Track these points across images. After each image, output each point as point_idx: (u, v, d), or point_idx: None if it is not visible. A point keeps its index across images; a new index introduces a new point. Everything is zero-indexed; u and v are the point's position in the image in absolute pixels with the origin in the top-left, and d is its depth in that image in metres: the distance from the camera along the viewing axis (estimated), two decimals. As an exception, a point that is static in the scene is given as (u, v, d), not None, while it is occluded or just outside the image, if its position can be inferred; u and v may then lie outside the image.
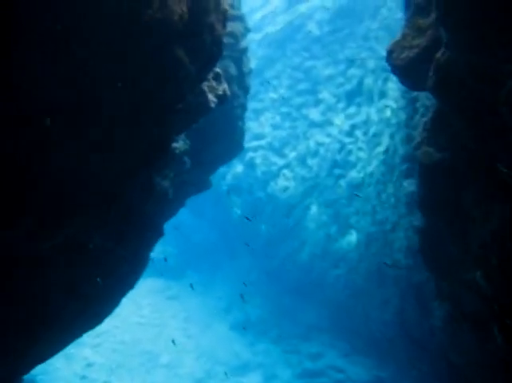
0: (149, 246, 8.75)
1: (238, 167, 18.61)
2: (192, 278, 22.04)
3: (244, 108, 10.47)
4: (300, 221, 16.49)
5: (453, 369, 9.57)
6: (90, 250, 6.87)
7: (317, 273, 15.59)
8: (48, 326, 6.94)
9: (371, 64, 14.94)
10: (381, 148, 12.63)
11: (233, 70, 9.46)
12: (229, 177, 18.77)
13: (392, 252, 11.14)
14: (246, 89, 10.47)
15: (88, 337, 17.40)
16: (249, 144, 18.68)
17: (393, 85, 13.16)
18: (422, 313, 9.92)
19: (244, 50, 10.07)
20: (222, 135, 9.84)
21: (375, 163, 13.04)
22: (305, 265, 16.01)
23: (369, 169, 13.52)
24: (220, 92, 6.59)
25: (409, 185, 9.83)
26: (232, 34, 9.39)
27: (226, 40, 8.45)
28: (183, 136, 8.60)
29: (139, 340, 17.99)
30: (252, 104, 19.11)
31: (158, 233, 8.74)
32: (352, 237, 14.11)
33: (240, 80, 10.11)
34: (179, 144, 8.39)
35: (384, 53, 7.38)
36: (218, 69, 7.39)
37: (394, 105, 12.63)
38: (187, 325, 19.20)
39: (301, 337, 16.99)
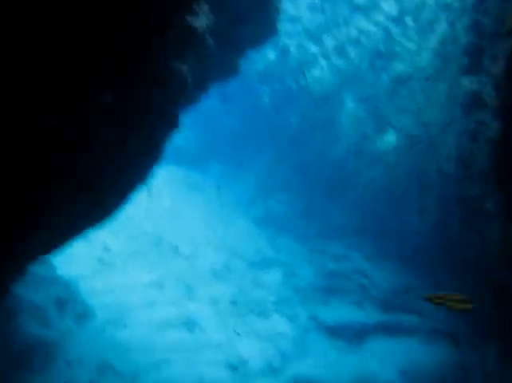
0: (163, 138, 7.50)
1: (269, 55, 16.85)
2: (215, 168, 21.07)
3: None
4: (333, 116, 15.00)
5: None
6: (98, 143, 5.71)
7: (349, 172, 14.33)
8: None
9: None
10: (436, 38, 10.80)
11: None
12: (259, 64, 17.07)
13: (438, 159, 9.74)
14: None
15: (108, 222, 16.88)
16: (283, 27, 16.75)
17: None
18: (469, 232, 8.70)
19: None
20: (253, 12, 8.21)
21: (426, 55, 11.25)
22: (337, 163, 14.73)
23: (419, 62, 11.74)
24: None
25: (470, 83, 8.21)
26: None
27: None
28: (205, 8, 7.06)
29: (158, 230, 17.35)
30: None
31: (172, 124, 7.47)
32: (391, 137, 12.64)
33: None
34: (201, 21, 6.86)
35: None
36: None
37: (455, -13, 10.61)
38: (209, 217, 18.46)
39: (326, 236, 16.11)
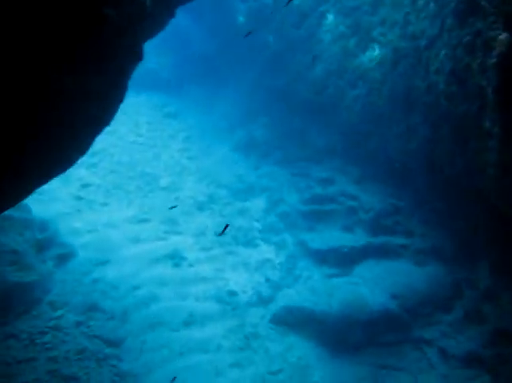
0: (126, 72, 6.70)
1: (241, -34, 15.54)
2: (192, 93, 20.13)
3: None
4: (313, 32, 14.02)
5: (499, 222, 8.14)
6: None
7: (331, 93, 13.55)
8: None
9: None
10: None
11: None
12: (231, -22, 15.79)
13: (427, 74, 9.01)
14: None
15: (84, 157, 16.14)
16: None
17: None
18: (461, 150, 8.16)
19: None
20: None
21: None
22: (318, 83, 13.90)
23: (402, -33, 10.72)
24: None
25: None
26: None
27: None
28: None
29: (137, 161, 16.67)
30: None
31: (136, 56, 6.65)
32: (375, 52, 11.81)
33: None
34: None
35: None
36: None
37: None
38: (188, 145, 17.77)
39: (310, 160, 15.55)
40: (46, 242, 12.19)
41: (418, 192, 11.53)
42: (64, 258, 12.21)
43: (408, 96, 10.11)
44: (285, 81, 15.16)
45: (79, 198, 14.60)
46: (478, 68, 6.81)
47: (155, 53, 20.60)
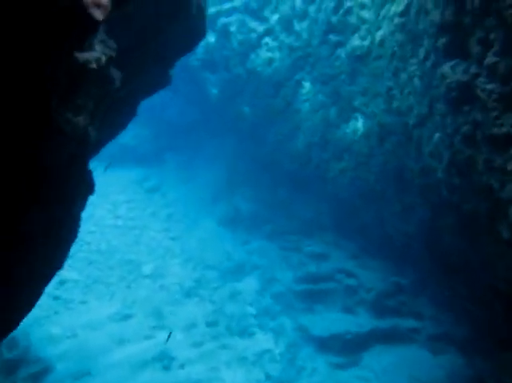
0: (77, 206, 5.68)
1: (209, 37, 14.79)
2: (172, 164, 19.20)
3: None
4: (290, 101, 13.18)
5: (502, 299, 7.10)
6: None
7: (315, 164, 12.61)
8: None
9: None
10: (397, 7, 8.98)
11: None
12: (200, 50, 15.03)
13: (420, 156, 8.07)
14: None
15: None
16: (220, 6, 14.71)
17: None
18: (472, 246, 7.13)
19: None
20: (168, 21, 6.31)
21: (387, 27, 9.45)
22: (301, 155, 12.99)
23: (378, 35, 9.93)
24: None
25: (452, 71, 6.48)
26: None
27: None
28: (101, 35, 5.17)
29: (116, 247, 15.52)
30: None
31: (89, 188, 5.66)
32: (358, 123, 10.92)
33: None
34: (96, 53, 4.97)
35: None
36: None
37: None
38: (171, 223, 16.68)
39: (300, 233, 14.54)
40: (16, 361, 10.92)
41: (422, 270, 10.49)
42: (38, 377, 10.93)
43: (401, 175, 9.17)
44: (267, 152, 14.26)
45: (56, 298, 13.38)
46: (485, 165, 5.87)
47: (132, 126, 19.77)
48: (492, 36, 5.55)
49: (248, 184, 15.83)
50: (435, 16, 6.73)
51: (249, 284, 14.16)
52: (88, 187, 5.71)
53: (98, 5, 3.77)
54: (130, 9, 5.69)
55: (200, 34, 7.47)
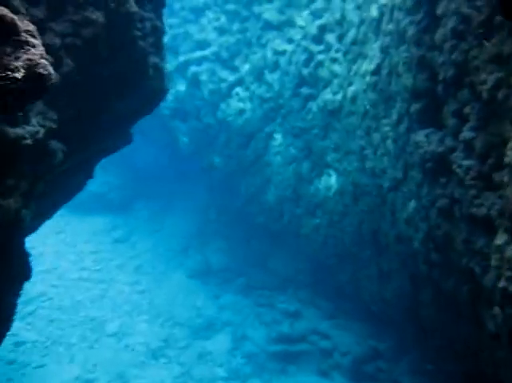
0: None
1: (179, 86, 14.35)
2: (141, 211, 18.47)
3: (158, 31, 6.27)
4: (261, 154, 12.70)
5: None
6: None
7: (288, 219, 12.07)
8: None
9: None
10: (368, 65, 8.60)
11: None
12: (170, 98, 14.54)
13: (396, 221, 7.57)
14: (157, 1, 6.22)
15: (17, 304, 14.04)
16: (190, 55, 14.31)
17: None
18: (457, 322, 6.56)
19: None
20: (121, 86, 5.78)
21: (359, 84, 9.06)
22: (273, 208, 12.46)
23: (350, 91, 9.54)
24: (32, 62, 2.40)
25: (427, 141, 6.01)
26: None
27: None
28: (38, 106, 4.60)
29: (80, 303, 14.62)
30: (189, 2, 14.49)
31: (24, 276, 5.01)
32: (331, 179, 10.44)
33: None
34: (32, 127, 4.40)
35: None
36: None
37: (383, 0, 8.42)
38: (139, 276, 15.87)
39: (274, 288, 13.89)
40: None
41: (401, 335, 9.88)
42: None
43: (376, 238, 8.66)
44: (239, 204, 13.70)
45: (10, 362, 12.41)
46: (464, 246, 5.36)
47: (100, 172, 19.11)
48: (467, 109, 5.14)
49: (220, 236, 15.21)
50: (407, 80, 6.32)
51: (219, 342, 13.41)
52: (24, 272, 5.03)
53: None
54: (74, 76, 5.14)
55: (160, 95, 6.96)
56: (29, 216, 4.66)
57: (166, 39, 13.72)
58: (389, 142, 7.48)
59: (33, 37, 2.41)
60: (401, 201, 7.11)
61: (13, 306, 5.21)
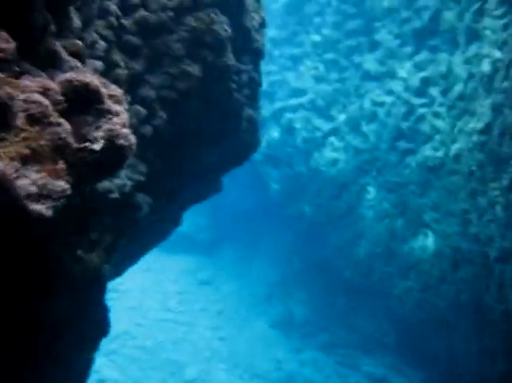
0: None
1: (273, 133, 14.22)
2: (228, 254, 18.34)
3: (255, 83, 6.07)
4: (354, 206, 12.15)
5: None
6: None
7: (378, 277, 11.37)
8: None
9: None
10: (476, 123, 7.95)
11: (220, 28, 5.05)
12: (263, 144, 14.41)
13: (503, 296, 6.74)
14: (255, 52, 6.04)
15: (103, 340, 14.14)
16: (286, 102, 14.18)
17: (494, 22, 8.25)
18: None
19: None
20: (213, 138, 5.58)
21: (464, 142, 8.39)
22: (363, 264, 11.80)
23: (454, 149, 8.87)
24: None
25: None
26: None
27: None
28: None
29: (162, 345, 14.50)
30: (288, 50, 14.45)
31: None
32: (428, 240, 9.69)
33: (241, 41, 5.70)
34: (119, 180, 4.26)
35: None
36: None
37: (498, 54, 7.81)
38: (221, 321, 15.59)
39: (358, 348, 13.06)
40: None
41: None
42: None
43: (479, 310, 7.80)
44: (325, 255, 13.15)
45: (92, 400, 12.33)
46: None
47: (189, 213, 19.31)
48: None
49: (303, 286, 14.67)
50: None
51: (298, 401, 12.74)
52: (101, 328, 4.83)
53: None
54: (166, 128, 4.99)
55: (251, 147, 6.73)
56: (110, 271, 4.47)
57: (263, 85, 13.79)
58: (498, 208, 6.75)
59: (118, 102, 2.17)
60: (511, 276, 6.33)
61: (90, 360, 5.01)
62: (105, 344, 13.78)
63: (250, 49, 5.98)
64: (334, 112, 12.91)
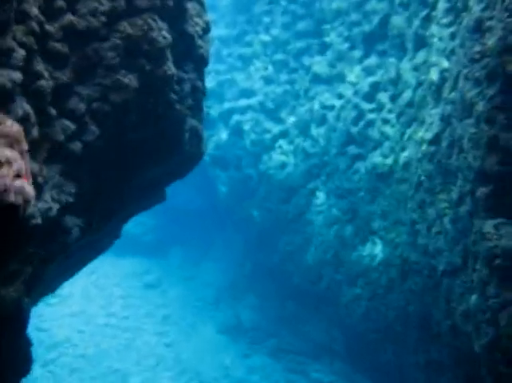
0: None
1: (221, 134, 13.85)
2: (176, 256, 17.88)
3: (198, 91, 5.68)
4: (303, 211, 11.95)
5: None
6: None
7: (327, 284, 11.21)
8: None
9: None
10: (425, 133, 7.83)
11: (159, 35, 4.62)
12: (211, 145, 14.03)
13: (451, 313, 6.63)
14: (199, 59, 5.65)
15: (41, 348, 13.42)
16: (235, 103, 13.83)
17: (441, 30, 8.14)
18: None
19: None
20: (153, 152, 5.17)
21: (413, 150, 8.28)
22: (312, 270, 11.63)
23: (403, 156, 8.76)
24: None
25: (496, 231, 5.16)
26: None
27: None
28: (54, 179, 4.01)
29: (105, 352, 13.94)
30: (237, 50, 14.09)
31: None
32: (376, 248, 9.58)
33: (182, 48, 5.30)
34: (44, 203, 3.80)
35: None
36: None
37: (445, 64, 7.69)
38: (167, 327, 15.14)
39: (308, 354, 12.94)
40: None
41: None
42: None
43: (426, 323, 7.71)
44: (275, 261, 12.91)
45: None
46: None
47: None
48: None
49: (253, 291, 14.41)
50: (474, 160, 5.52)
51: (245, 410, 12.49)
52: (22, 367, 4.36)
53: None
54: (99, 144, 4.56)
55: (195, 159, 6.36)
56: (31, 304, 4.03)
57: (211, 84, 13.37)
58: (446, 221, 6.64)
59: (15, 143, 1.77)
60: (459, 291, 6.23)
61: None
62: (43, 354, 13.07)
63: (193, 56, 5.59)
64: (283, 115, 12.66)
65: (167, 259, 18.05)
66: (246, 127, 13.24)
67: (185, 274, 17.30)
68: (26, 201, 1.72)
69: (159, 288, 16.96)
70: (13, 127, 1.87)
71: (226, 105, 13.86)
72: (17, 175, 1.68)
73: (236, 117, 13.60)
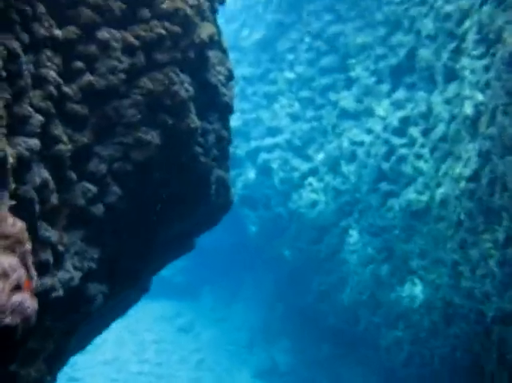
0: None
1: (249, 173, 13.64)
2: (207, 298, 17.55)
3: (223, 141, 5.45)
4: (336, 250, 11.56)
5: None
6: None
7: (364, 327, 10.73)
8: None
9: (428, 25, 9.54)
10: (462, 169, 7.44)
11: (181, 88, 4.42)
12: (239, 185, 13.83)
13: (506, 362, 6.14)
14: (224, 107, 5.45)
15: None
16: (261, 141, 13.64)
17: (473, 63, 7.82)
18: None
19: (204, 44, 4.86)
20: (179, 207, 4.94)
21: (450, 187, 7.87)
22: (348, 311, 11.16)
23: (439, 193, 8.36)
24: None
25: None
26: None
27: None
28: (76, 245, 3.81)
29: (136, 401, 13.60)
30: (262, 88, 13.97)
31: None
32: (416, 289, 9.11)
33: (206, 98, 5.10)
34: (64, 273, 3.56)
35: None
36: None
37: (480, 97, 7.35)
38: (200, 373, 14.76)
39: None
40: None
41: None
42: None
43: (478, 371, 7.17)
44: (308, 301, 12.47)
45: None
46: None
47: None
48: None
49: (287, 333, 13.95)
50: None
51: None
52: None
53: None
54: (122, 205, 4.34)
55: (224, 209, 6.12)
56: (53, 380, 3.76)
57: (237, 123, 13.21)
58: (492, 263, 6.20)
59: (16, 245, 1.53)
60: (503, 332, 5.75)
61: None
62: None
63: (217, 105, 5.40)
64: (311, 152, 12.39)
65: (198, 301, 17.75)
66: (274, 165, 13.00)
67: (216, 315, 16.97)
68: (26, 319, 1.48)
69: (191, 332, 16.64)
70: (15, 226, 1.65)
71: (253, 144, 13.68)
72: (17, 287, 1.44)
73: (263, 156, 13.38)
